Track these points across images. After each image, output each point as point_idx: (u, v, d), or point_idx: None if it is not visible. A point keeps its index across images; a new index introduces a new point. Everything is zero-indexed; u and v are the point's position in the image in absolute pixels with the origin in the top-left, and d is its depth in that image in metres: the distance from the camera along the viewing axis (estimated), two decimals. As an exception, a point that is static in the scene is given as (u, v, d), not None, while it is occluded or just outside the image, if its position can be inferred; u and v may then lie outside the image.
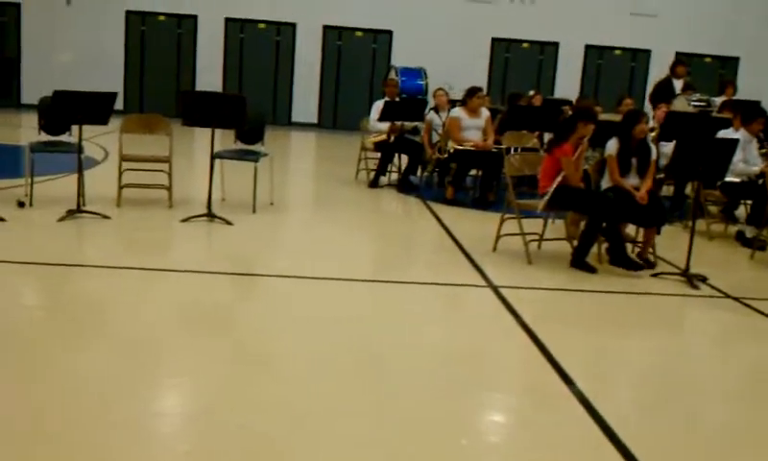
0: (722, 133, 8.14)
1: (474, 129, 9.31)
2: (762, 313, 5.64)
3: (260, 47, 18.06)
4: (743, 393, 4.34)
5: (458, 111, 9.43)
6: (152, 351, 4.19)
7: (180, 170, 8.12)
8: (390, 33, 18.17)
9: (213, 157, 7.41)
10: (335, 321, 4.94)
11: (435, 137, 10.21)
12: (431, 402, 3.80)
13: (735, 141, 6.92)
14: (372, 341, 4.64)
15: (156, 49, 17.89)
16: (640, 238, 6.96)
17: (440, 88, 10.94)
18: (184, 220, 7.17)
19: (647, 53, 18.44)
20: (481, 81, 16.84)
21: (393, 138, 10.01)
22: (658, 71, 14.92)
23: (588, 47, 18.58)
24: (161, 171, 7.78)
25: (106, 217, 7.07)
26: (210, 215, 7.24)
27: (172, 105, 15.21)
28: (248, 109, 7.49)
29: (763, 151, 8.47)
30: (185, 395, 3.81)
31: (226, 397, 3.69)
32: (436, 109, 10.38)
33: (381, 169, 10.20)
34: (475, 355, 4.54)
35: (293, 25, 18.07)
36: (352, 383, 3.97)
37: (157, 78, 17.78)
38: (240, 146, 8.38)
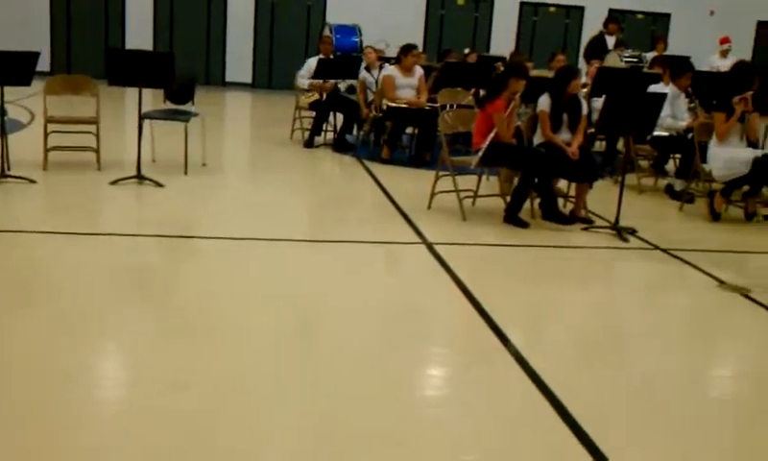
0: (652, 88, 8.28)
1: (408, 87, 9.28)
2: (689, 263, 5.79)
3: (191, 5, 17.65)
4: (671, 341, 4.45)
5: (392, 70, 9.38)
6: (81, 320, 4.09)
7: (108, 132, 7.92)
8: (324, -11, 17.94)
9: (141, 117, 7.24)
10: (272, 282, 4.90)
11: (370, 96, 10.15)
12: (369, 361, 3.81)
13: (663, 96, 7.03)
14: (309, 301, 4.61)
15: (84, 8, 17.33)
16: (573, 193, 7.05)
17: (368, 46, 10.86)
18: (113, 182, 7.00)
19: (581, 10, 18.59)
20: (417, 38, 16.78)
21: (324, 96, 9.92)
22: (591, 28, 15.05)
23: (522, 4, 18.63)
24: (89, 133, 7.58)
25: (32, 182, 6.86)
26: (140, 177, 7.08)
27: (101, 65, 14.75)
28: (177, 68, 7.32)
29: (691, 105, 8.63)
30: (114, 365, 3.75)
31: (159, 364, 3.63)
32: (368, 68, 10.30)
33: (316, 129, 10.11)
34: (412, 313, 4.56)
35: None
36: (291, 344, 3.94)
37: (85, 38, 17.23)
38: (170, 106, 8.20)
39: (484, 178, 7.34)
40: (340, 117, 10.30)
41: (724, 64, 12.39)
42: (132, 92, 7.38)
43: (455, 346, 4.22)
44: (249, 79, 18.11)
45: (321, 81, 9.87)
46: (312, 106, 10.10)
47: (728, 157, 6.99)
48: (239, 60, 17.96)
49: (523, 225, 6.48)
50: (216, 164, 8.42)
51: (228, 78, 18.03)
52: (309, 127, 10.17)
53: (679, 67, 8.23)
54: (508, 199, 6.72)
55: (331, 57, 10.36)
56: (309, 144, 10.04)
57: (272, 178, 8.41)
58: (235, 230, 6.02)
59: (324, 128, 10.35)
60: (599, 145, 9.68)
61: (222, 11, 17.75)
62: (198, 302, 4.46)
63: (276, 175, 8.59)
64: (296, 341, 3.99)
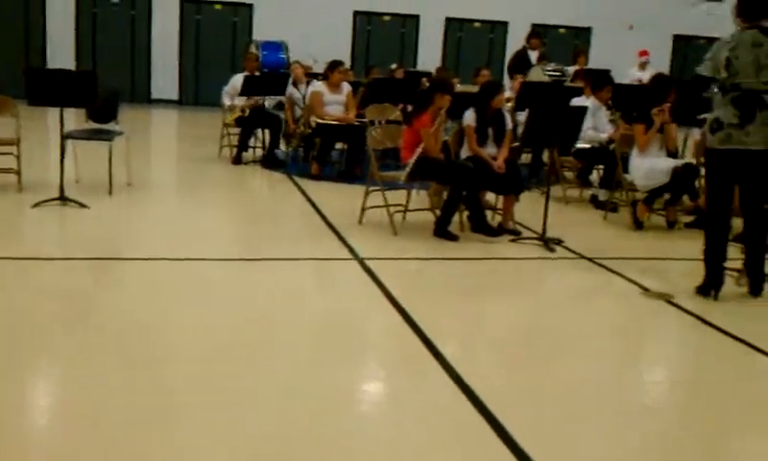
0: (575, 102, 8.48)
1: (336, 104, 9.32)
2: (614, 271, 5.93)
3: (114, 23, 17.36)
4: (598, 348, 4.55)
5: (320, 86, 9.40)
6: (2, 349, 3.97)
7: (30, 153, 7.73)
8: (250, 6, 17.86)
9: (64, 137, 7.08)
10: (202, 303, 4.83)
11: (298, 112, 10.14)
12: (303, 379, 3.78)
13: (584, 109, 7.21)
14: (241, 320, 4.56)
15: (2, 27, 16.88)
16: (500, 206, 7.16)
17: (296, 61, 10.87)
18: (35, 205, 6.82)
19: (504, 25, 18.94)
20: (344, 54, 16.84)
21: (248, 112, 9.86)
22: (515, 43, 15.32)
23: (448, 19, 18.88)
24: (10, 154, 7.37)
25: (-52, 205, 6.66)
26: (63, 199, 6.92)
27: (21, 85, 14.41)
28: (99, 86, 7.18)
29: (612, 117, 8.87)
30: (32, 394, 3.65)
31: (83, 390, 3.54)
32: (295, 83, 10.30)
33: (242, 145, 10.04)
34: (344, 329, 4.55)
35: (148, -1, 17.49)
36: (224, 364, 3.90)
37: (4, 57, 16.77)
38: (93, 125, 8.05)
39: (414, 192, 7.40)
40: (268, 133, 10.25)
41: (643, 76, 12.78)
42: (54, 112, 7.22)
43: (388, 361, 4.23)
44: (175, 96, 17.91)
45: (245, 99, 9.83)
46: (238, 122, 10.05)
47: (648, 167, 7.19)
48: (165, 76, 17.74)
49: (453, 238, 6.55)
50: (142, 184, 8.28)
51: (154, 95, 17.79)
52: (237, 144, 10.11)
53: (599, 80, 8.46)
54: (438, 213, 6.79)
55: (257, 73, 10.32)
56: (237, 161, 9.98)
57: (200, 196, 8.31)
58: (163, 251, 5.93)
59: (252, 144, 10.29)
60: (526, 157, 9.86)
61: (146, 27, 17.53)
62: (124, 326, 4.37)
63: (205, 193, 8.50)
64: (229, 362, 3.94)
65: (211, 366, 3.87)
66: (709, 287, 5.30)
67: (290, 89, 10.23)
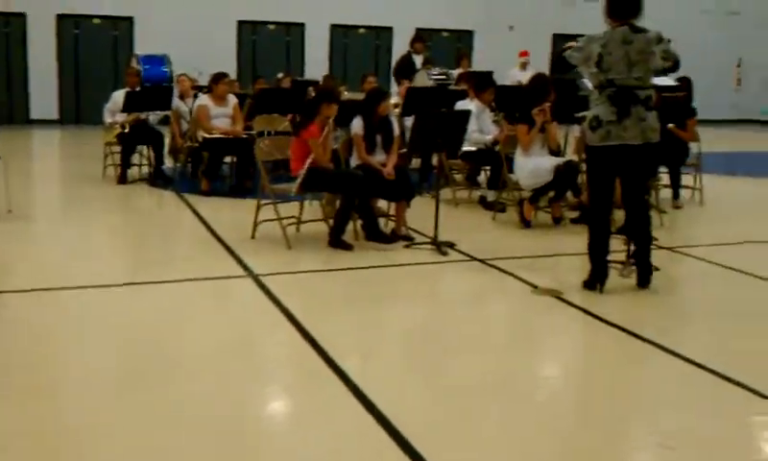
0: (459, 105, 8.65)
1: (223, 117, 9.20)
2: (505, 271, 6.08)
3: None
4: (491, 346, 4.66)
5: (205, 99, 9.26)
6: None
7: None
8: (131, 19, 17.44)
9: (-66, 166, 6.75)
10: (92, 332, 4.69)
11: (185, 126, 9.97)
12: (202, 403, 3.72)
13: (468, 112, 7.36)
14: (136, 347, 4.45)
15: None
16: (393, 212, 7.23)
17: (182, 74, 10.67)
18: None
19: (389, 30, 19.12)
20: (230, 65, 16.67)
21: (128, 128, 9.63)
22: (401, 47, 15.51)
23: (333, 26, 18.92)
24: None
25: None
26: (-62, 231, 6.60)
27: None
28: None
29: (496, 119, 9.10)
30: None
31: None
32: (181, 97, 10.12)
33: (125, 163, 9.79)
34: (241, 350, 4.50)
35: (22, 15, 16.81)
36: (119, 392, 3.79)
37: None
38: (-34, 152, 7.70)
39: (307, 203, 7.39)
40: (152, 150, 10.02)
41: (524, 77, 13.13)
42: None
43: (287, 378, 4.21)
44: (55, 115, 17.30)
45: (127, 115, 9.58)
46: (119, 140, 9.78)
47: (532, 166, 7.41)
48: (43, 96, 17.11)
49: (347, 247, 6.58)
50: (23, 209, 7.93)
51: (33, 115, 17.14)
52: (120, 162, 9.85)
53: (481, 83, 8.66)
54: (331, 223, 6.80)
55: (138, 89, 10.07)
56: (122, 180, 9.72)
57: (86, 219, 8.05)
58: (49, 278, 5.71)
59: (138, 162, 10.06)
60: (416, 162, 9.99)
61: (21, 44, 16.86)
62: (11, 359, 4.20)
63: (91, 215, 8.24)
64: (122, 390, 3.84)
65: (106, 395, 3.76)
66: (595, 281, 5.49)
67: (176, 103, 10.04)
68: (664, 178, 8.79)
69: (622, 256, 5.77)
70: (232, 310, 5.40)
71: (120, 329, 4.75)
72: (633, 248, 5.68)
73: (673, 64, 5.38)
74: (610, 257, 5.54)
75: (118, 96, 9.85)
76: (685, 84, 8.68)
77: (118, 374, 4.07)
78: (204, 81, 11.36)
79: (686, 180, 9.00)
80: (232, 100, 9.38)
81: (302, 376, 4.20)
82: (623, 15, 5.28)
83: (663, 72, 5.54)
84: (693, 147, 9.00)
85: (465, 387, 4.01)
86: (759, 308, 5.40)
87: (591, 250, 5.50)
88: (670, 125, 8.42)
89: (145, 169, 10.08)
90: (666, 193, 8.77)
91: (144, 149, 10.11)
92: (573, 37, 5.65)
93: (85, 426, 3.47)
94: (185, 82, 10.31)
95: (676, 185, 8.83)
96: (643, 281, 5.55)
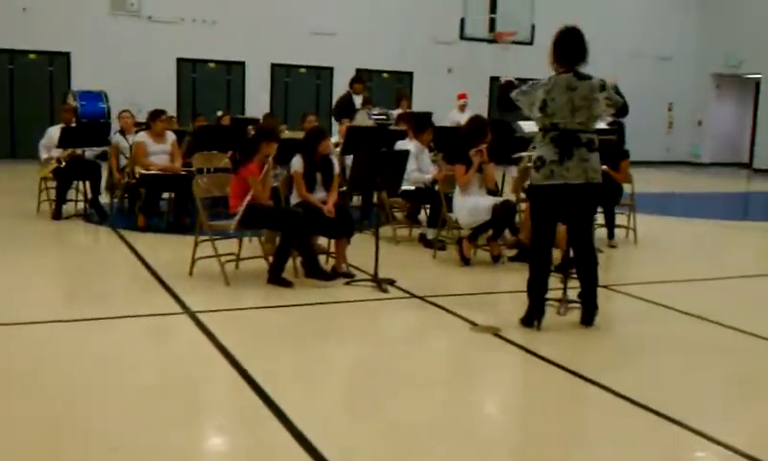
0: (399, 144, 8.72)
1: (161, 153, 9.11)
2: (444, 308, 6.11)
3: None
4: (430, 384, 4.65)
5: (143, 136, 9.17)
6: None
7: None
8: (67, 55, 17.20)
9: None
10: (24, 372, 4.55)
11: (123, 161, 9.84)
12: (136, 446, 3.63)
13: (406, 152, 7.43)
14: (68, 387, 4.32)
15: None
16: (333, 249, 7.22)
17: (125, 110, 10.56)
18: None
19: (330, 70, 19.24)
20: (170, 102, 16.55)
21: (63, 163, 9.47)
22: (342, 87, 15.61)
23: (274, 66, 18.97)
24: None
25: None
26: None
27: None
28: None
29: (434, 159, 9.20)
30: None
31: None
32: (122, 132, 10.01)
33: (60, 198, 9.60)
34: (176, 389, 4.41)
35: (-47, 49, 16.49)
36: (49, 434, 3.67)
37: None
38: None
39: (246, 240, 7.34)
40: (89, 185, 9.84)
41: (463, 118, 13.32)
42: None
43: (224, 419, 4.14)
44: (-12, 150, 16.92)
45: (61, 151, 9.43)
46: (55, 175, 9.61)
47: (471, 205, 7.50)
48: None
49: (287, 284, 6.54)
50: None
51: (-34, 150, 16.73)
52: (55, 197, 9.66)
53: (420, 123, 8.77)
54: (271, 260, 6.76)
55: (73, 124, 9.91)
56: (57, 215, 9.52)
57: (19, 256, 7.83)
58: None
59: (74, 198, 9.87)
60: (357, 199, 10.02)
61: (-48, 79, 16.51)
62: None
63: (24, 252, 8.02)
64: (52, 432, 3.73)
65: (35, 437, 3.64)
66: (532, 317, 5.55)
67: (116, 138, 9.93)
68: (599, 217, 8.97)
69: (559, 294, 5.86)
70: (168, 348, 5.30)
71: (48, 368, 4.62)
72: (566, 287, 5.77)
73: (621, 108, 5.56)
74: (548, 295, 5.61)
75: (53, 132, 9.70)
76: (617, 127, 8.92)
77: (46, 415, 3.94)
78: (142, 117, 11.25)
79: (621, 219, 9.20)
80: (171, 137, 9.30)
81: (239, 414, 4.13)
82: (569, 62, 5.41)
83: (616, 115, 5.66)
84: (627, 188, 9.22)
85: (407, 424, 3.99)
86: (692, 345, 5.52)
87: (530, 287, 5.57)
88: (604, 166, 8.60)
89: (81, 204, 9.89)
90: (602, 233, 8.95)
91: (80, 184, 9.93)
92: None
93: (13, 469, 3.35)
94: (128, 118, 10.20)
95: (611, 225, 9.01)
96: (588, 320, 5.61)
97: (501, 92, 5.80)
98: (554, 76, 5.42)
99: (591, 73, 5.47)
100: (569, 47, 5.43)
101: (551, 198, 5.44)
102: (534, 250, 5.63)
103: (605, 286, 6.90)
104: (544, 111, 5.38)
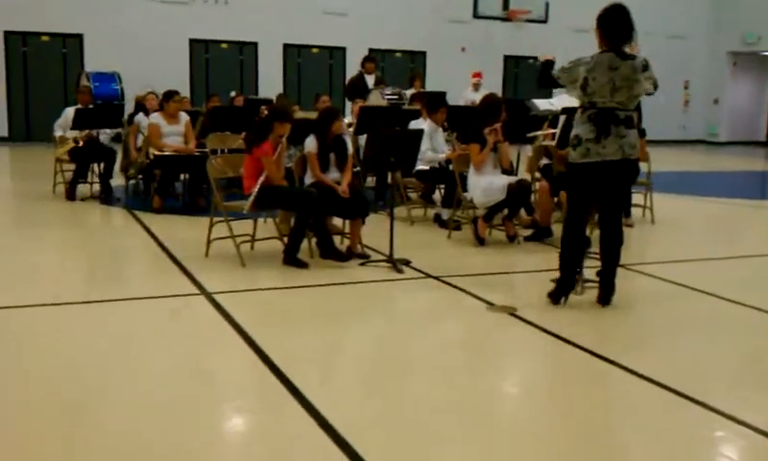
0: (413, 124, 8.68)
1: (175, 135, 9.12)
2: (460, 288, 6.09)
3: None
4: (448, 364, 4.64)
5: (156, 117, 9.17)
6: None
7: None
8: (80, 37, 17.21)
9: None
10: (42, 352, 4.56)
11: (140, 141, 9.86)
12: (154, 426, 3.64)
13: (420, 132, 7.39)
14: (84, 368, 4.34)
15: None
16: (348, 230, 7.21)
17: (151, 92, 10.61)
18: None
19: (342, 50, 19.17)
20: (183, 83, 16.55)
21: (82, 143, 9.49)
22: (354, 67, 15.56)
23: (286, 46, 18.91)
24: None
25: None
26: None
27: None
28: None
29: (448, 138, 9.15)
30: None
31: None
32: (146, 112, 10.02)
33: (76, 178, 9.65)
34: (194, 367, 4.43)
35: (-30, 33, 16.55)
36: (72, 414, 3.69)
37: None
38: None
39: (261, 220, 7.33)
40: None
41: (477, 97, 13.26)
42: None
43: (242, 398, 4.13)
44: (4, 132, 17.00)
45: (77, 132, 9.47)
46: (72, 155, 9.64)
47: (485, 185, 7.46)
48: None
49: (302, 265, 6.53)
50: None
51: (-20, 132, 16.83)
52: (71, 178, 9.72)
53: (434, 103, 8.71)
54: (286, 240, 6.75)
55: (90, 106, 9.95)
56: (71, 196, 9.55)
57: (35, 236, 7.88)
58: (2, 298, 5.57)
59: (90, 180, 9.91)
60: (371, 180, 10.00)
61: (-34, 62, 16.56)
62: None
63: (40, 233, 8.07)
64: (76, 412, 3.75)
65: (49, 420, 3.66)
66: (561, 293, 5.57)
67: (139, 117, 9.94)
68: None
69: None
70: (185, 328, 5.31)
71: (67, 350, 4.64)
72: (582, 266, 5.74)
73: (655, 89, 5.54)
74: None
75: (69, 112, 9.76)
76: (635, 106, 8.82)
77: (63, 396, 3.96)
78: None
79: (637, 198, 9.13)
80: (184, 118, 9.30)
81: (257, 394, 4.14)
82: (615, 41, 5.37)
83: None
84: (643, 167, 9.14)
85: (423, 405, 3.98)
86: (712, 324, 5.48)
87: (563, 262, 5.57)
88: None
89: (96, 186, 9.93)
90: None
91: (95, 167, 9.97)
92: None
93: (27, 453, 3.36)
94: (153, 100, 10.22)
95: (627, 204, 8.94)
96: (605, 299, 5.60)
97: (542, 70, 5.74)
98: (596, 54, 5.39)
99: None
100: (615, 25, 5.37)
101: (588, 176, 5.43)
102: (568, 225, 5.62)
103: (622, 265, 6.86)
104: (585, 90, 5.36)
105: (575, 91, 5.45)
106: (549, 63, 5.69)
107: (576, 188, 5.57)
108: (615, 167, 5.38)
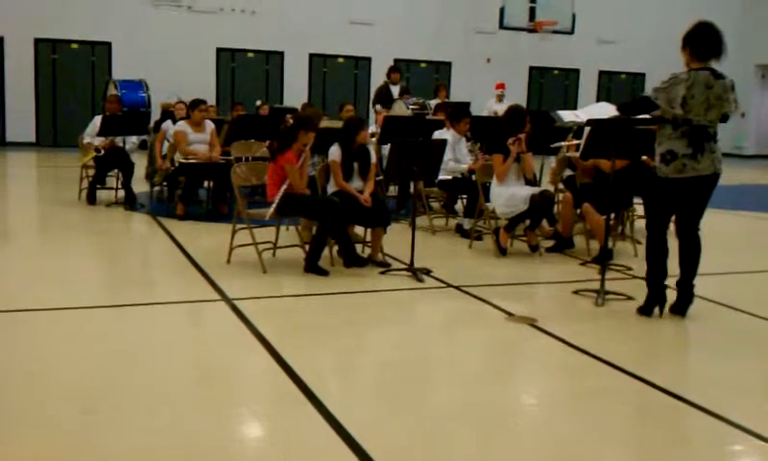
0: (437, 134, 8.70)
1: (200, 142, 9.20)
2: (480, 298, 6.09)
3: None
4: (467, 374, 4.64)
5: (182, 125, 9.26)
6: None
7: None
8: (108, 45, 17.43)
9: None
10: (65, 355, 4.62)
11: (165, 149, 9.96)
12: (177, 429, 3.67)
13: (443, 142, 7.40)
14: (112, 372, 4.38)
15: None
16: (369, 238, 7.23)
17: (180, 101, 10.75)
18: None
19: (368, 60, 19.25)
20: (209, 91, 16.70)
21: (103, 151, 9.62)
22: (380, 77, 15.63)
23: (312, 56, 19.02)
24: None
25: None
26: None
27: None
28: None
29: (471, 149, 9.15)
30: None
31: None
32: (174, 120, 10.14)
33: (94, 184, 9.85)
34: (214, 373, 4.46)
35: (0, 39, 16.78)
36: (89, 418, 3.74)
37: None
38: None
39: (283, 228, 7.37)
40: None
41: (500, 108, 13.28)
42: None
43: (260, 405, 4.16)
44: (32, 138, 17.22)
45: (102, 139, 9.61)
46: (96, 163, 9.79)
47: (508, 195, 7.45)
48: (20, 118, 17.05)
49: (323, 273, 6.56)
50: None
51: (9, 137, 17.07)
52: (98, 186, 9.86)
53: (457, 113, 8.72)
54: (308, 248, 6.78)
55: (119, 114, 10.08)
56: (91, 200, 9.72)
57: (60, 242, 7.98)
58: (24, 301, 5.64)
59: (114, 186, 10.04)
60: (393, 189, 10.02)
61: (-2, 68, 16.83)
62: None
63: (65, 238, 8.17)
64: (98, 413, 3.79)
65: (72, 421, 3.70)
66: (652, 306, 5.65)
67: (166, 125, 10.05)
68: (639, 208, 8.85)
69: (596, 285, 5.80)
70: (206, 334, 5.35)
71: (90, 353, 4.69)
72: (603, 278, 5.71)
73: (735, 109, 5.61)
74: (584, 286, 5.57)
75: (97, 120, 9.88)
76: (659, 117, 8.77)
77: (86, 398, 4.00)
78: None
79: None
80: (209, 126, 9.38)
81: (276, 401, 4.15)
82: (705, 57, 5.43)
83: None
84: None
85: (441, 415, 3.98)
86: (737, 337, 5.43)
87: (650, 276, 5.65)
88: (644, 157, 8.50)
89: (121, 192, 10.05)
90: (642, 223, 8.82)
91: (120, 173, 10.09)
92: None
93: (51, 453, 3.41)
94: (182, 108, 10.35)
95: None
96: (681, 309, 5.67)
97: (637, 103, 5.87)
98: (693, 72, 5.42)
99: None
100: (706, 42, 5.43)
101: (680, 190, 5.49)
102: (651, 238, 5.68)
103: (644, 278, 6.83)
104: (684, 108, 5.39)
105: (672, 110, 5.43)
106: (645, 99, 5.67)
107: (661, 202, 5.63)
108: (707, 181, 5.49)
